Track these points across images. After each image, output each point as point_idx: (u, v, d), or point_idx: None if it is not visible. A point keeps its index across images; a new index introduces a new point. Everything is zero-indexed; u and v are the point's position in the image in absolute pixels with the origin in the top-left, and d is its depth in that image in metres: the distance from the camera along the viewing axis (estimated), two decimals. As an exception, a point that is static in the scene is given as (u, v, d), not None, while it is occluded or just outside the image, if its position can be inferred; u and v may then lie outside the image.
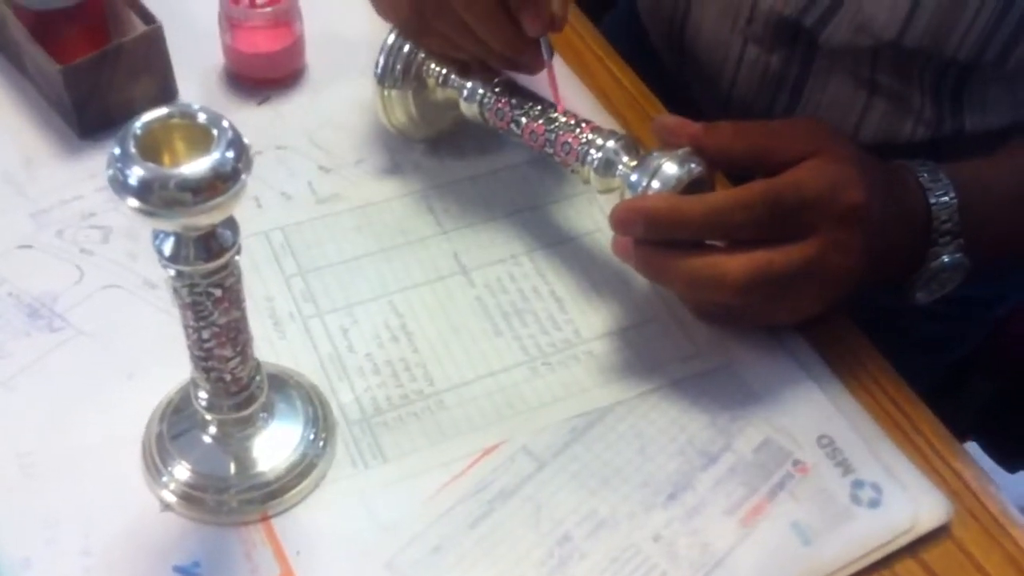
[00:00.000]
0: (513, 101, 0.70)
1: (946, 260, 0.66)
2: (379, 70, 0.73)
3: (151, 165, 0.47)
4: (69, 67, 0.72)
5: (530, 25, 0.67)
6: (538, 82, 0.72)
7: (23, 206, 0.72)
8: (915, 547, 0.60)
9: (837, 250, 0.62)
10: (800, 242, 0.61)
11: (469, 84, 0.72)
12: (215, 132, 0.48)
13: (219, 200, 0.47)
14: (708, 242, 0.62)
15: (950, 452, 0.64)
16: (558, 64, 0.83)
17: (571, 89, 0.82)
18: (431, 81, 0.74)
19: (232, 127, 0.49)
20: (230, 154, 0.47)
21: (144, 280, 0.69)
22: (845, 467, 0.63)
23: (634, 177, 0.64)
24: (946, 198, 0.65)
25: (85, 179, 0.74)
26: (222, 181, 0.47)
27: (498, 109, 0.71)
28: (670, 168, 0.63)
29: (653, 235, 0.62)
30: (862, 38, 0.75)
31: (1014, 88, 0.78)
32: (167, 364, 0.63)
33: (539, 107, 0.70)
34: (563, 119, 0.68)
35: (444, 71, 0.73)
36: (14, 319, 0.67)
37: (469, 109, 0.72)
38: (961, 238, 0.66)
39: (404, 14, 0.70)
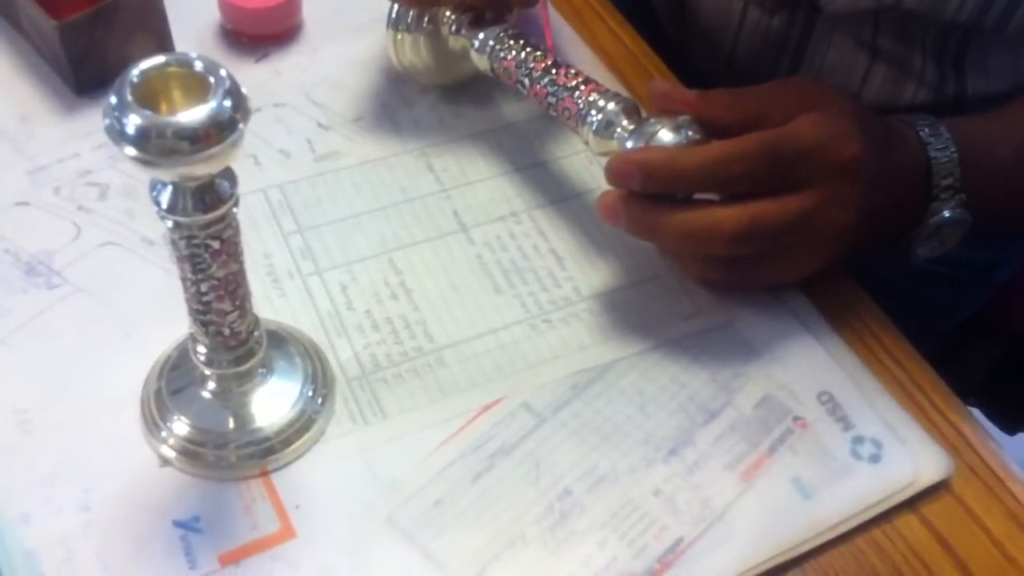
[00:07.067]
0: (523, 55, 0.69)
1: (947, 215, 0.66)
2: (393, 14, 0.72)
3: (148, 113, 0.46)
4: (65, 23, 0.71)
5: None
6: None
7: (20, 163, 0.72)
8: (915, 502, 0.60)
9: (834, 204, 0.61)
10: (796, 194, 0.61)
11: (481, 35, 0.71)
12: (212, 81, 0.47)
13: (217, 149, 0.46)
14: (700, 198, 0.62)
15: (950, 408, 0.64)
16: (557, 19, 0.83)
17: (571, 47, 0.81)
18: (444, 29, 0.73)
19: (230, 76, 0.48)
20: (227, 103, 0.47)
21: (142, 237, 0.69)
22: (845, 423, 0.62)
23: (630, 143, 0.63)
24: (947, 153, 0.65)
25: (82, 136, 0.73)
26: (219, 130, 0.46)
27: (506, 63, 0.70)
28: (666, 135, 0.62)
29: (649, 187, 0.61)
30: (863, 0, 0.74)
31: (1016, 53, 0.78)
32: (165, 321, 0.63)
33: (547, 63, 0.69)
34: (571, 75, 0.67)
35: (457, 20, 0.72)
36: (11, 276, 0.66)
37: (480, 60, 0.72)
38: (962, 193, 0.65)
39: None
